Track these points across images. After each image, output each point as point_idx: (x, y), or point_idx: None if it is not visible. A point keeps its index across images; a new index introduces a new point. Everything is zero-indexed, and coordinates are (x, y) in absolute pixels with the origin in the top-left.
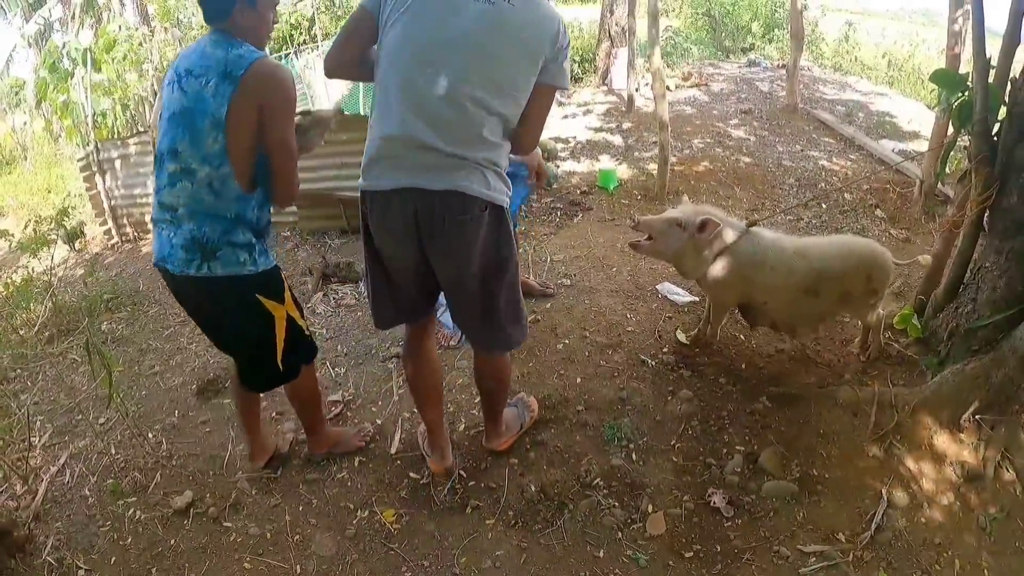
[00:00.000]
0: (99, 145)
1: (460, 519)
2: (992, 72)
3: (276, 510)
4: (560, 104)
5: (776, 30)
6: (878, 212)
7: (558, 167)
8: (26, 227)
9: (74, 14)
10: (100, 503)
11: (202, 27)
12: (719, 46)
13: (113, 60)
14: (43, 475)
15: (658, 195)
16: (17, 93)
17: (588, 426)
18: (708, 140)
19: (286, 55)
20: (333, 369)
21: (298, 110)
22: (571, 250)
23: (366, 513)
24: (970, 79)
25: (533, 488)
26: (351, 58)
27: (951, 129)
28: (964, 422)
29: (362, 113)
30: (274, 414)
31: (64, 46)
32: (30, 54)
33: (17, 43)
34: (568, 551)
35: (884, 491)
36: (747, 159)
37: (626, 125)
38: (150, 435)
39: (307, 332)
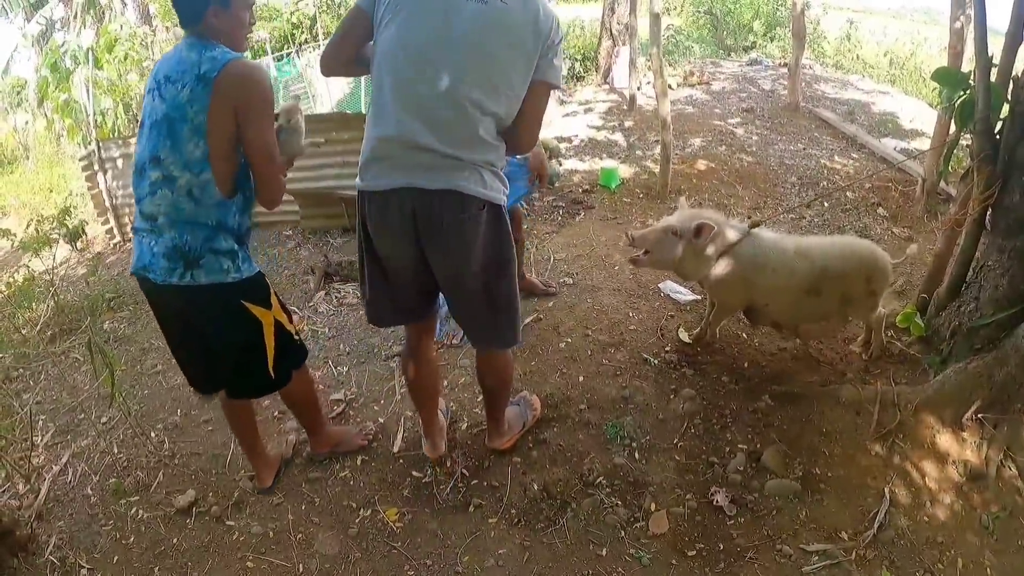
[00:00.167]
0: (101, 144)
1: (463, 518)
2: (994, 70)
3: (279, 509)
4: (561, 102)
5: (778, 28)
6: (880, 211)
7: (560, 164)
8: (28, 226)
9: (76, 14)
10: (103, 502)
11: None
12: (721, 44)
13: (115, 59)
14: (45, 474)
15: (660, 193)
16: (19, 93)
17: (591, 425)
18: (710, 139)
19: (288, 54)
20: (336, 368)
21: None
22: (573, 248)
23: (369, 512)
24: (972, 77)
25: (536, 487)
26: (347, 57)
27: (953, 127)
28: (966, 421)
29: (363, 112)
30: (276, 413)
31: (64, 44)
32: (32, 54)
33: (19, 43)
34: (571, 550)
35: (887, 490)
36: (749, 158)
37: (628, 123)
38: (152, 434)
39: (296, 337)
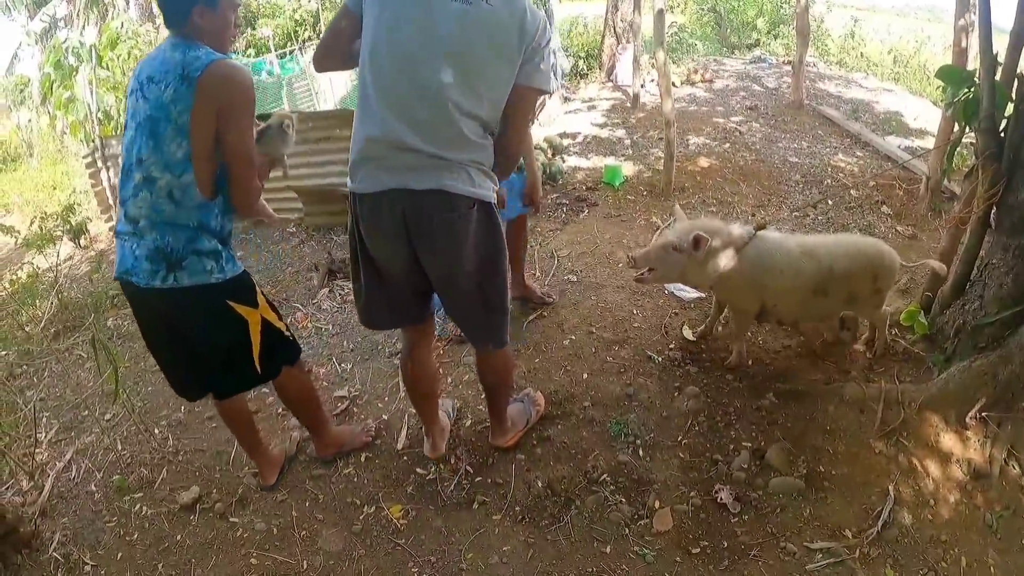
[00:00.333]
0: (104, 141)
1: (467, 515)
2: (999, 69)
3: (282, 506)
4: (565, 100)
5: (781, 26)
6: (884, 209)
7: (564, 161)
8: (32, 224)
9: (79, 11)
10: (106, 499)
11: None
12: (724, 42)
13: (118, 57)
14: (49, 471)
15: (664, 191)
16: (22, 90)
17: (595, 422)
18: (713, 136)
19: (291, 51)
20: (339, 365)
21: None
22: (577, 246)
23: (373, 509)
24: (977, 75)
25: (540, 484)
26: (340, 55)
27: (957, 126)
28: (970, 419)
29: None
30: (280, 410)
31: (67, 42)
32: (35, 51)
33: (22, 40)
34: (575, 547)
35: (891, 488)
36: (752, 155)
37: (631, 121)
38: (156, 431)
39: (287, 334)
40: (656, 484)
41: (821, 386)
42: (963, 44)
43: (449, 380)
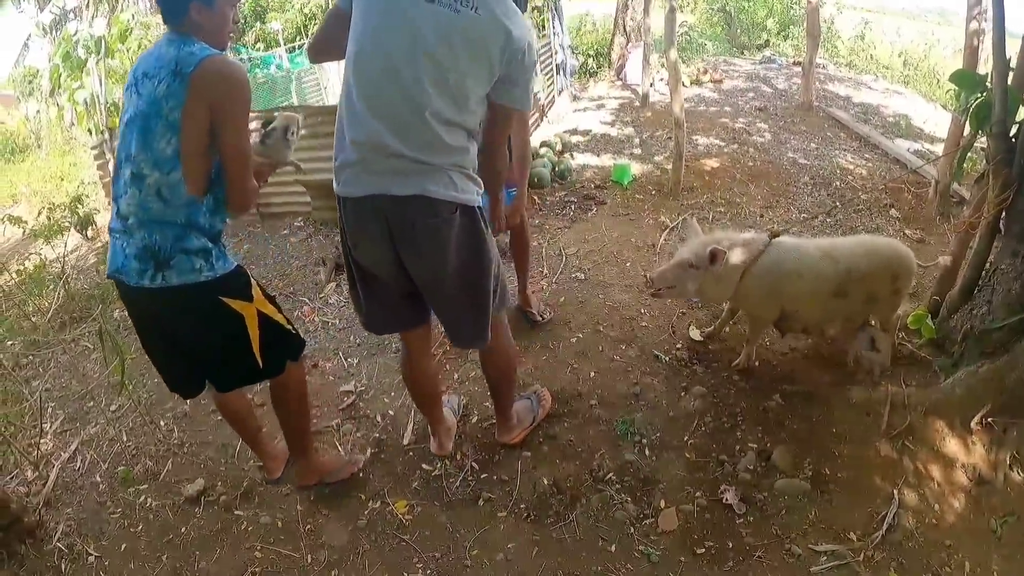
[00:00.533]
0: (112, 133)
1: (472, 511)
2: (1011, 73)
3: (288, 499)
4: (574, 98)
5: (791, 27)
6: (893, 212)
7: (573, 159)
8: (39, 214)
9: (88, 3)
10: (111, 490)
11: None
12: (734, 42)
13: (128, 49)
14: (54, 461)
15: (672, 191)
16: (31, 81)
17: (601, 421)
18: (722, 136)
19: (300, 46)
20: (346, 359)
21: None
22: (585, 244)
23: (378, 504)
24: (989, 80)
25: (545, 482)
26: (336, 48)
27: (968, 130)
28: (976, 425)
29: None
30: None
31: (76, 34)
32: (45, 43)
33: (32, 32)
34: (580, 545)
35: (896, 491)
36: (761, 156)
37: (640, 120)
38: (162, 423)
39: (289, 327)
40: (662, 484)
41: (827, 388)
42: (975, 44)
43: (455, 376)
